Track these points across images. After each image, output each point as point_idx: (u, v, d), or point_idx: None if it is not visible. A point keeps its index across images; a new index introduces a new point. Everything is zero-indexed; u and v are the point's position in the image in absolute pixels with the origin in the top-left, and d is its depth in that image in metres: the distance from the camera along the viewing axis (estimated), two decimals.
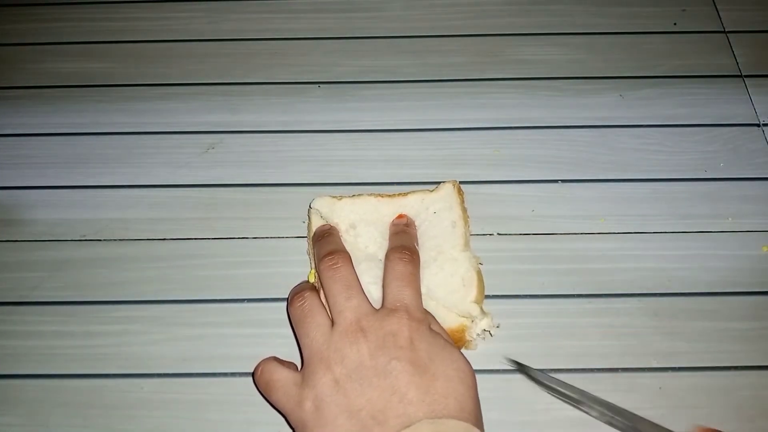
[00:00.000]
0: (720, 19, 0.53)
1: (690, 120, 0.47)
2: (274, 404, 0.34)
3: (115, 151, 0.47)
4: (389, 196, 0.41)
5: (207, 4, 0.54)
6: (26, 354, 0.39)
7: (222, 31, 0.53)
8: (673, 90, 0.49)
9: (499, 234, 0.43)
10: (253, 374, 0.35)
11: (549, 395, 0.37)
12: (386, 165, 0.46)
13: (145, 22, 0.53)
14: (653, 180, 0.45)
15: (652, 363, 0.38)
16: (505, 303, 0.40)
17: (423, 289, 0.36)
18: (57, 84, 0.50)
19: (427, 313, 0.35)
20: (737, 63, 0.50)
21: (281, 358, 0.36)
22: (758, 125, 0.47)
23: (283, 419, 0.35)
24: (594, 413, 0.36)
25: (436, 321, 0.35)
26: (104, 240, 0.43)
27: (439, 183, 0.41)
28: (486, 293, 0.37)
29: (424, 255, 0.38)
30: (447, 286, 0.37)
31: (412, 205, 0.40)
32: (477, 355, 0.34)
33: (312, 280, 0.38)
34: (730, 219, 0.43)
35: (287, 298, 0.37)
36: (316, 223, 0.39)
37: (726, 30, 0.52)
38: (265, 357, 0.35)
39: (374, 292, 0.36)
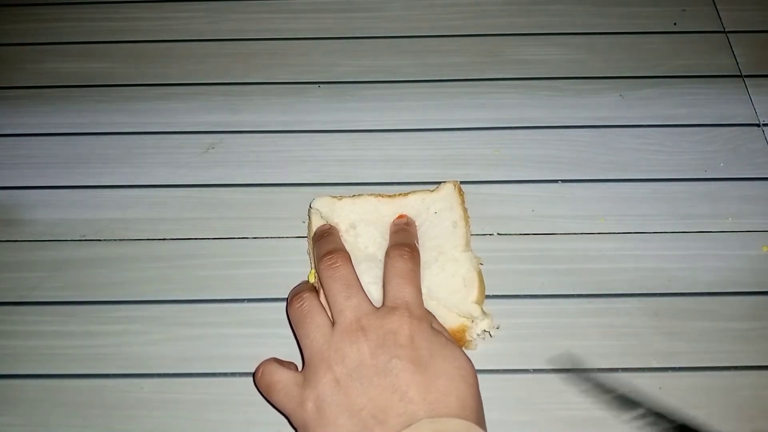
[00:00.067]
0: (720, 19, 0.53)
1: (690, 120, 0.47)
2: (275, 406, 0.34)
3: (115, 151, 0.47)
4: (389, 196, 0.41)
5: (207, 4, 0.54)
6: (26, 354, 0.39)
7: (222, 31, 0.53)
8: (673, 90, 0.49)
9: (499, 234, 0.43)
10: (253, 376, 0.35)
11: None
12: (386, 165, 0.46)
13: (145, 22, 0.53)
14: (653, 180, 0.45)
15: (652, 363, 0.38)
16: (505, 303, 0.40)
17: (424, 290, 0.36)
18: (57, 84, 0.50)
19: (428, 311, 0.35)
20: (737, 63, 0.50)
21: (281, 358, 0.36)
22: (758, 125, 0.47)
23: (283, 419, 0.35)
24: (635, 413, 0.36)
25: (437, 320, 0.35)
26: (104, 240, 0.43)
27: (439, 183, 0.41)
28: (486, 293, 0.37)
29: (425, 255, 0.38)
30: (448, 286, 0.37)
31: (412, 205, 0.40)
32: (477, 355, 0.34)
33: (312, 280, 0.38)
34: (730, 219, 0.43)
35: (287, 299, 0.37)
36: (317, 223, 0.39)
37: (726, 30, 0.52)
38: (265, 358, 0.36)
39: (374, 292, 0.36)
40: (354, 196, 0.41)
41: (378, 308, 0.34)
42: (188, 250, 0.42)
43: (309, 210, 0.40)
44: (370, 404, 0.30)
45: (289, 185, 0.45)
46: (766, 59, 0.50)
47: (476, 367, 0.33)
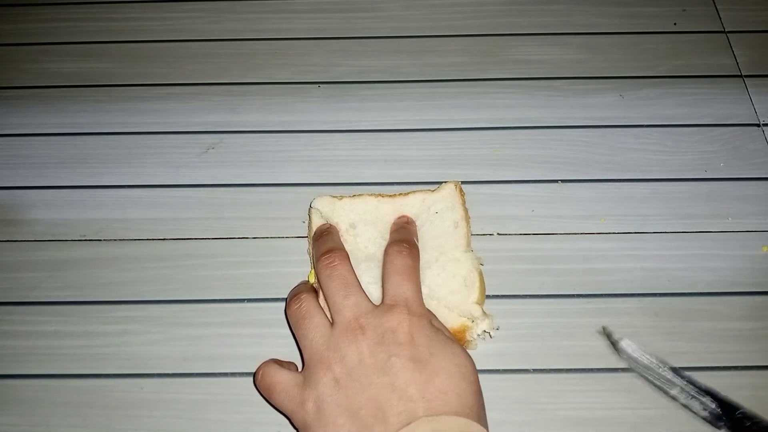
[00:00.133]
0: (720, 19, 0.53)
1: (690, 120, 0.47)
2: (276, 407, 0.34)
3: (115, 151, 0.47)
4: (390, 196, 0.41)
5: (207, 4, 0.54)
6: (26, 354, 0.39)
7: (222, 31, 0.53)
8: (673, 90, 0.49)
9: (499, 234, 0.43)
10: (254, 378, 0.35)
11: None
12: (386, 165, 0.46)
13: (146, 22, 0.53)
14: (653, 180, 0.45)
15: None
16: (505, 303, 0.40)
17: (425, 289, 0.36)
18: (57, 84, 0.50)
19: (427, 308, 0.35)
20: (737, 63, 0.50)
21: (281, 358, 0.36)
22: (758, 125, 0.47)
23: (283, 419, 0.35)
24: (674, 391, 0.36)
25: (437, 318, 0.35)
26: (104, 240, 0.43)
27: (439, 183, 0.41)
28: (486, 293, 0.37)
29: (425, 255, 0.38)
30: (449, 286, 0.37)
31: (413, 204, 0.40)
32: (477, 355, 0.34)
33: (312, 280, 0.38)
34: (730, 219, 0.43)
35: (286, 300, 0.37)
36: (317, 223, 0.39)
37: (726, 30, 0.52)
38: (264, 358, 0.36)
39: (375, 292, 0.36)
40: (354, 195, 0.41)
41: (377, 306, 0.34)
42: (188, 250, 0.42)
43: (309, 210, 0.40)
44: (370, 403, 0.30)
45: (289, 185, 0.45)
46: (766, 59, 0.50)
47: (476, 367, 0.32)
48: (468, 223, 0.39)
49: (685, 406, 0.36)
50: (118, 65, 0.51)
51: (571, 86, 0.49)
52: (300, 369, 0.35)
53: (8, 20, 0.54)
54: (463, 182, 0.42)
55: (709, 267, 0.41)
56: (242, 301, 0.41)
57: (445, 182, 0.41)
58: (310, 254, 0.39)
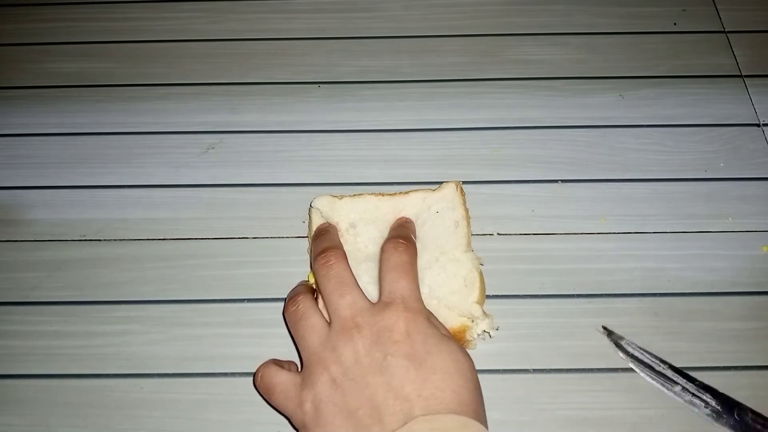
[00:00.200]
0: (720, 19, 0.53)
1: (690, 120, 0.47)
2: (276, 408, 0.34)
3: (115, 151, 0.47)
4: (390, 195, 0.40)
5: (207, 4, 0.54)
6: (26, 354, 0.39)
7: (222, 31, 0.53)
8: (673, 90, 0.49)
9: (499, 234, 0.43)
10: (253, 380, 0.35)
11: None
12: (386, 165, 0.46)
13: (146, 22, 0.53)
14: (653, 180, 0.45)
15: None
16: (505, 303, 0.40)
17: (425, 289, 0.36)
18: (57, 84, 0.50)
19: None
20: (737, 63, 0.50)
21: (281, 358, 0.36)
22: (758, 125, 0.47)
23: (283, 419, 0.35)
24: (677, 388, 0.36)
25: (434, 315, 0.35)
26: (104, 240, 0.43)
27: (439, 183, 0.41)
28: (486, 293, 0.37)
29: (425, 254, 0.38)
30: (449, 286, 0.37)
31: (413, 203, 0.40)
32: (477, 355, 0.34)
33: (312, 280, 0.38)
34: (730, 219, 0.43)
35: (284, 301, 0.37)
36: (317, 223, 0.39)
37: (726, 30, 0.52)
38: (264, 358, 0.36)
39: (374, 292, 0.36)
40: (354, 195, 0.41)
41: (373, 304, 0.33)
42: (188, 250, 0.42)
43: (309, 209, 0.40)
44: (367, 403, 0.30)
45: (289, 185, 0.45)
46: (766, 59, 0.50)
47: (476, 367, 0.32)
48: (468, 222, 0.39)
49: (688, 404, 0.36)
50: (118, 65, 0.51)
51: (571, 86, 0.49)
52: (300, 369, 0.35)
53: (8, 20, 0.54)
54: (463, 182, 0.41)
55: (709, 267, 0.41)
56: (242, 301, 0.41)
57: (446, 182, 0.41)
58: (310, 254, 0.39)
